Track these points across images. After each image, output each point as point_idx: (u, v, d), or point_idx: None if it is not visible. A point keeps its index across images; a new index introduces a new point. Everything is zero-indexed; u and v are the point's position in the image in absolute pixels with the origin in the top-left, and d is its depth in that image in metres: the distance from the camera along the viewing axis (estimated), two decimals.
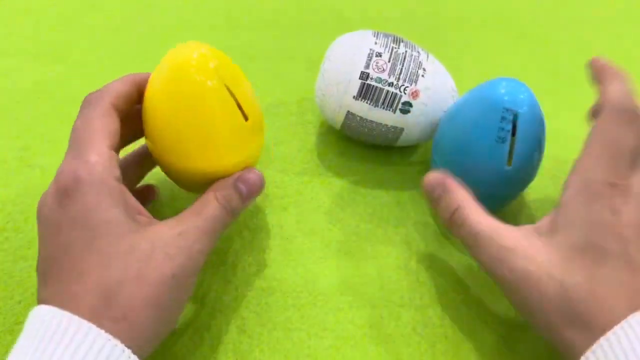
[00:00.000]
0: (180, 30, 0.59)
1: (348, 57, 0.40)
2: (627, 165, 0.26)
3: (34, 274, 0.35)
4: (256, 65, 0.53)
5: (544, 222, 0.28)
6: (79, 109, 0.29)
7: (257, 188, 0.31)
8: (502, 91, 0.33)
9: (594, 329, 0.23)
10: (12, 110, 0.47)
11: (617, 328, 0.22)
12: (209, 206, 0.29)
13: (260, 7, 0.63)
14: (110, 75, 0.32)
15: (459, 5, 0.65)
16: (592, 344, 0.23)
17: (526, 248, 0.27)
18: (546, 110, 0.35)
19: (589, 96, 0.52)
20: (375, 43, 0.40)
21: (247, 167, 0.32)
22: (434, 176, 0.32)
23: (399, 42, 0.41)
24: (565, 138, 0.47)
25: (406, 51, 0.40)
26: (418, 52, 0.41)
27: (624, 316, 0.23)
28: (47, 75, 0.51)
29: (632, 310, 0.23)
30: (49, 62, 0.52)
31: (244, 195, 0.30)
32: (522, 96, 0.33)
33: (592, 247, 0.25)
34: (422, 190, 0.33)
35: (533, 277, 0.25)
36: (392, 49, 0.40)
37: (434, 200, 0.32)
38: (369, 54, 0.39)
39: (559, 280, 0.25)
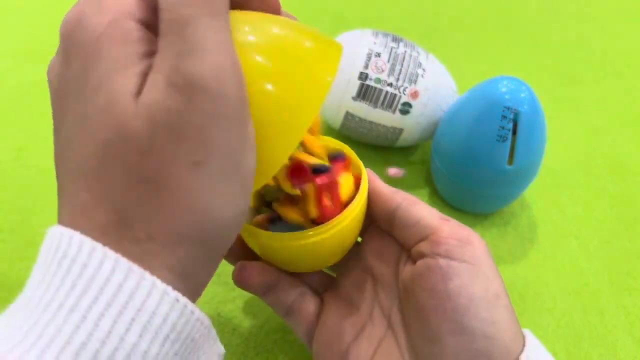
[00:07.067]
0: None
1: (347, 57, 0.39)
2: None
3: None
4: None
5: None
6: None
7: None
8: (503, 90, 0.33)
9: None
10: (8, 110, 0.47)
11: None
12: None
13: None
14: None
15: (458, 5, 0.65)
16: None
17: None
18: (546, 108, 0.35)
19: (589, 95, 0.53)
20: (375, 43, 0.40)
21: None
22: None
23: (399, 42, 0.40)
24: (566, 136, 0.47)
25: (405, 51, 0.40)
26: (418, 51, 0.41)
27: None
28: (43, 76, 0.50)
29: None
30: (44, 62, 0.52)
31: None
32: (522, 95, 0.33)
33: None
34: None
35: None
36: (391, 49, 0.40)
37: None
38: (368, 54, 0.39)
39: None
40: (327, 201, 0.24)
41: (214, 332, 0.19)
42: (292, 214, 0.25)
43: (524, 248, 0.38)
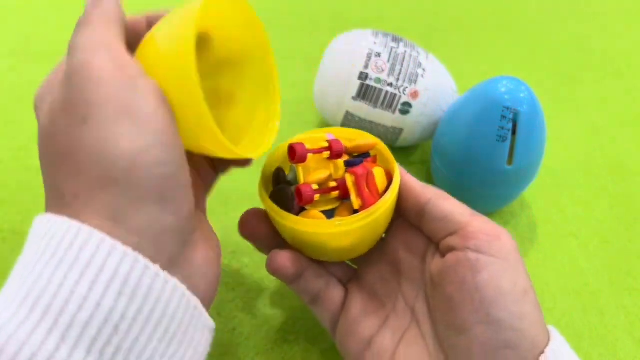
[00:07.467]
0: None
1: (347, 57, 0.39)
2: None
3: None
4: None
5: None
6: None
7: None
8: (503, 90, 0.33)
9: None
10: (9, 110, 0.47)
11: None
12: None
13: (257, 6, 0.63)
14: None
15: (459, 5, 0.65)
16: None
17: None
18: (546, 108, 0.35)
19: (589, 95, 0.53)
20: (375, 43, 0.40)
21: None
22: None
23: (399, 42, 0.40)
24: (566, 136, 0.47)
25: (406, 51, 0.40)
26: (418, 51, 0.41)
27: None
28: (43, 75, 0.50)
29: None
30: (44, 62, 0.52)
31: None
32: (522, 95, 0.33)
33: None
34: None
35: None
36: (391, 49, 0.40)
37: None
38: (368, 54, 0.39)
39: None
40: (366, 191, 0.25)
41: (182, 289, 0.20)
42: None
43: (524, 248, 0.38)
